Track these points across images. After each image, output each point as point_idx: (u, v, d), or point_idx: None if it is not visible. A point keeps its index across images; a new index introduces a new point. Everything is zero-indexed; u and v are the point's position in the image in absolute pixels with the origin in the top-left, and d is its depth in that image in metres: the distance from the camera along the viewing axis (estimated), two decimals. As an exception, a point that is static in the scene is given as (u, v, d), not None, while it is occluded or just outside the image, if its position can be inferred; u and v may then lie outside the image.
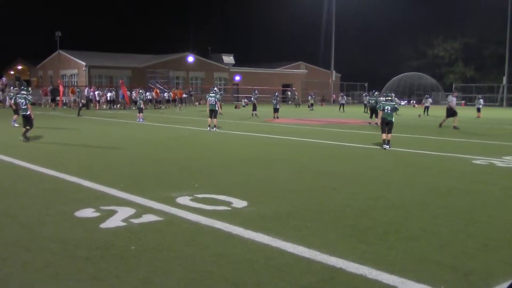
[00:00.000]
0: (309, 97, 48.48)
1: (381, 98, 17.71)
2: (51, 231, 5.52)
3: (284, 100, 62.68)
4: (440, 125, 22.93)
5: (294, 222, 5.99)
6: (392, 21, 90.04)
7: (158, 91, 45.59)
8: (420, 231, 5.72)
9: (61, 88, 41.43)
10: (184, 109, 40.80)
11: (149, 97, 44.09)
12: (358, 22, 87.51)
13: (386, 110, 13.92)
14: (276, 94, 30.57)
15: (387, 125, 13.91)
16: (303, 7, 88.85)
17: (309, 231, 5.62)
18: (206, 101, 21.31)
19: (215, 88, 20.89)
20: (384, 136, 14.00)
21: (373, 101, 25.26)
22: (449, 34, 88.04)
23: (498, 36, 73.81)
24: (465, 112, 42.06)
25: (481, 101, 36.57)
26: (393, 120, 13.92)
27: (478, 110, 35.02)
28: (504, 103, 67.51)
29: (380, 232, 5.63)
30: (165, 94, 46.55)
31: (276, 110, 28.77)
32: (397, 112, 15.67)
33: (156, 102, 44.80)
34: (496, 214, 6.63)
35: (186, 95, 50.90)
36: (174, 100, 44.26)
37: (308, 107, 46.64)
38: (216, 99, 19.68)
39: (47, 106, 42.06)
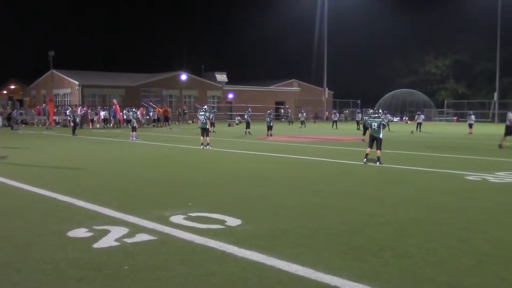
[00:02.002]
0: (300, 115, 48.81)
1: (366, 116, 17.82)
2: (43, 252, 5.46)
3: (277, 117, 62.85)
4: (500, 145, 20.60)
5: (289, 240, 5.96)
6: (384, 38, 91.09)
7: (160, 109, 45.61)
8: (414, 248, 5.70)
9: (51, 107, 40.73)
10: (175, 127, 40.78)
11: (146, 117, 44.55)
12: (350, 39, 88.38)
13: (373, 127, 14.07)
14: (269, 112, 30.68)
15: (375, 141, 14.07)
16: (296, 25, 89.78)
17: (303, 249, 5.59)
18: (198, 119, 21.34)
19: (205, 107, 20.90)
20: (368, 150, 14.36)
21: (367, 118, 25.43)
22: (441, 51, 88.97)
23: (488, 53, 74.65)
24: (457, 128, 42.30)
25: (473, 117, 36.85)
26: (380, 136, 14.04)
27: (470, 126, 35.26)
28: (496, 119, 68.04)
29: (375, 249, 5.61)
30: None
31: (269, 128, 28.83)
32: (389, 128, 15.74)
33: (158, 121, 44.79)
34: (490, 230, 6.63)
35: (181, 113, 51.08)
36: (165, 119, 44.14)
37: (301, 123, 46.93)
38: (205, 117, 19.71)
39: (40, 125, 41.95)
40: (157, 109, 45.96)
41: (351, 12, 79.23)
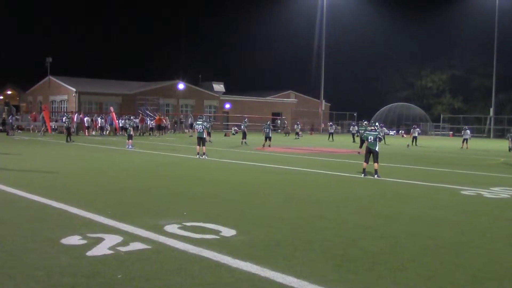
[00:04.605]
0: (295, 126, 49.05)
1: (368, 127, 17.89)
2: (36, 259, 5.43)
3: (274, 128, 62.98)
4: None
5: (283, 252, 5.95)
6: (381, 52, 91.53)
7: (159, 118, 45.61)
8: (409, 261, 5.70)
9: (46, 114, 40.21)
10: (171, 136, 40.74)
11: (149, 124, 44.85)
12: (348, 52, 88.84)
13: (369, 140, 14.12)
14: (268, 123, 30.76)
15: (371, 154, 14.09)
16: (294, 37, 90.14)
17: (298, 261, 5.58)
18: (194, 129, 21.41)
19: (203, 116, 21.06)
20: (364, 165, 14.40)
21: (362, 131, 25.51)
22: (437, 66, 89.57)
23: (484, 69, 75.21)
24: (453, 143, 42.41)
25: (468, 132, 36.99)
26: (376, 149, 14.06)
27: (466, 141, 35.38)
28: (492, 134, 68.31)
29: (369, 262, 5.61)
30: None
31: (269, 139, 28.82)
32: (384, 141, 15.75)
33: (158, 129, 44.81)
34: (484, 245, 6.64)
35: (177, 121, 51.17)
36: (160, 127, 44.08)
37: (296, 134, 47.09)
38: (203, 126, 19.75)
39: (36, 131, 41.83)
40: (157, 118, 45.97)
41: (349, 26, 79.81)
